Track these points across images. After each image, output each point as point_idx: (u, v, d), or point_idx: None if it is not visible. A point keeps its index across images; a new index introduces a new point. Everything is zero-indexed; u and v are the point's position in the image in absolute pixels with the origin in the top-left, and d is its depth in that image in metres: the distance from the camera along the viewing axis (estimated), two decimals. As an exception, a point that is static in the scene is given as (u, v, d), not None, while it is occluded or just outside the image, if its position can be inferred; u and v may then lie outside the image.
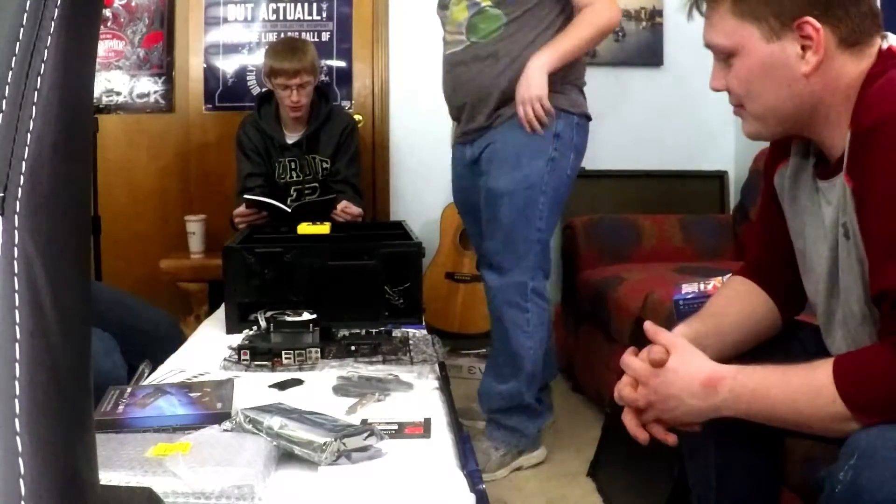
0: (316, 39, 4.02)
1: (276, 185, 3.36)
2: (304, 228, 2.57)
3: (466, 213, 2.76)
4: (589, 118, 2.56)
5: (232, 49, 4.08)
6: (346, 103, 4.10)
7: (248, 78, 4.08)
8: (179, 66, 4.06)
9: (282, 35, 3.97)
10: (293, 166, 3.34)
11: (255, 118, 3.35)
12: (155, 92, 4.06)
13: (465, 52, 2.48)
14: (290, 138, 3.35)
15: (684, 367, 1.23)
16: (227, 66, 4.08)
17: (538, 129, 2.38)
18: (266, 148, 3.33)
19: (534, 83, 2.34)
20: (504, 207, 2.45)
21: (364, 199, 3.43)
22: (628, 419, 1.31)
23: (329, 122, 3.33)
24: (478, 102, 2.51)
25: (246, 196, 3.13)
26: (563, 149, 2.45)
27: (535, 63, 2.35)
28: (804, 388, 1.12)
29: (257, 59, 3.94)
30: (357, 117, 3.80)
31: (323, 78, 3.88)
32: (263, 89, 3.60)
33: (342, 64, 4.10)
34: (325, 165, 3.34)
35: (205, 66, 4.08)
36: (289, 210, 2.98)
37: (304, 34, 4.00)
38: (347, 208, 3.13)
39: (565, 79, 2.47)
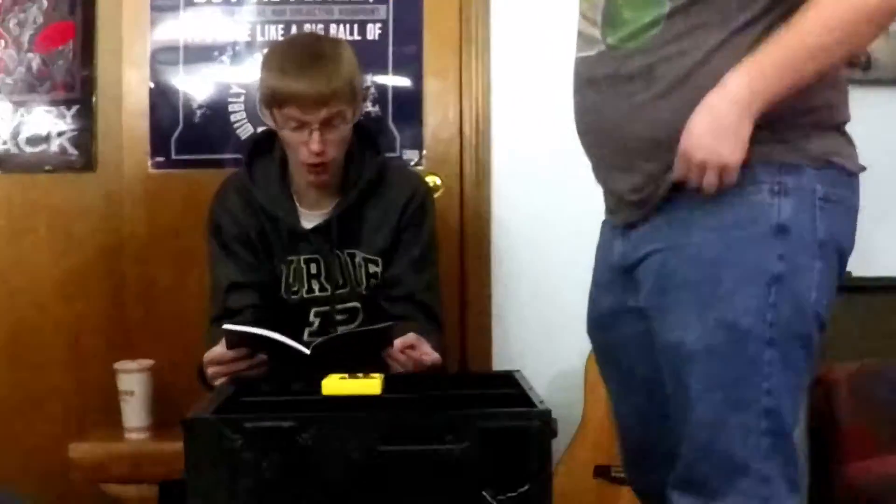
0: (355, 37, 3.16)
1: (283, 306, 2.75)
2: (335, 385, 2.18)
3: (602, 353, 2.20)
4: (853, 173, 1.94)
5: (201, 54, 3.22)
6: (408, 155, 3.27)
7: (230, 107, 3.21)
8: (106, 87, 3.22)
9: (293, 30, 3.19)
10: (314, 271, 2.72)
11: (245, 182, 2.72)
12: (60, 134, 3.21)
13: (600, 63, 1.98)
14: (310, 219, 2.72)
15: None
16: (194, 85, 3.26)
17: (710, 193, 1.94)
18: (265, 237, 2.73)
19: (717, 134, 1.82)
20: (697, 379, 1.88)
21: (445, 332, 2.79)
22: None
23: (380, 189, 2.73)
24: (620, 157, 1.99)
25: (226, 326, 2.43)
26: (800, 254, 1.86)
27: (725, 95, 1.83)
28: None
29: (248, 72, 3.18)
30: (431, 181, 3.14)
31: (368, 109, 3.13)
32: (259, 129, 3.03)
33: (403, 83, 3.27)
34: (372, 269, 2.72)
35: (152, 85, 3.21)
36: (306, 351, 2.39)
37: (331, 28, 3.15)
38: (415, 348, 2.47)
39: (801, 116, 1.91)
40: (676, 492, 2.00)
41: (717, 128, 1.83)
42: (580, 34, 2.05)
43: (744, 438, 1.90)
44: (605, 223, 2.17)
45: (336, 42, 2.76)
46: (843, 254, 1.92)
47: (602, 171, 2.04)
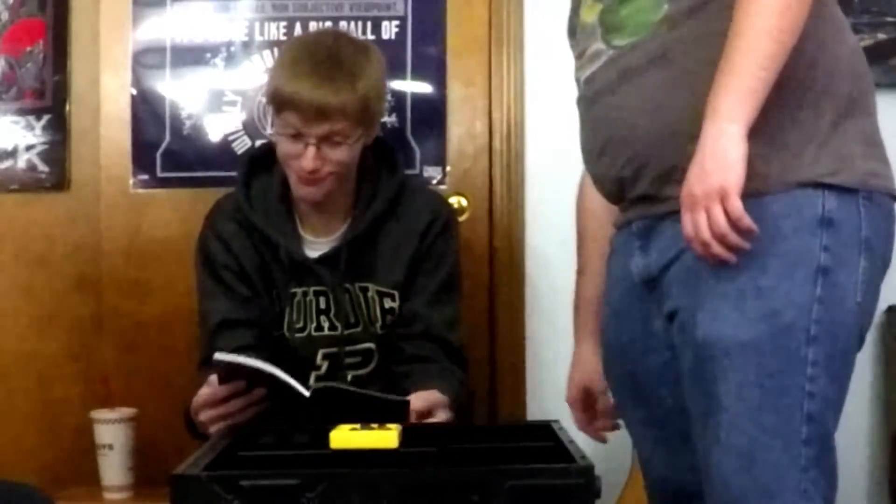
0: (368, 36, 3.06)
1: (285, 347, 2.60)
2: (345, 437, 2.00)
3: (625, 386, 2.16)
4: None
5: (190, 56, 3.09)
6: (429, 173, 3.14)
7: (224, 117, 3.11)
8: (81, 93, 3.12)
9: (296, 28, 3.13)
10: (322, 305, 2.60)
11: (240, 205, 2.59)
12: (28, 148, 3.14)
13: (610, 68, 2.02)
14: (315, 248, 2.59)
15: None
16: (182, 92, 3.14)
17: (728, 257, 1.85)
18: (264, 268, 2.60)
19: (713, 162, 1.85)
20: (731, 378, 1.85)
21: (469, 373, 2.65)
22: None
23: (396, 213, 2.61)
24: (638, 153, 2.01)
25: (217, 356, 2.24)
26: (844, 247, 1.87)
27: (708, 122, 1.88)
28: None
29: (245, 76, 3.10)
30: (456, 202, 3.05)
31: (384, 119, 2.95)
32: (258, 143, 2.96)
33: (423, 89, 3.15)
34: (388, 304, 2.61)
35: (134, 91, 3.07)
36: (306, 393, 2.26)
37: (341, 26, 3.06)
38: (431, 416, 2.39)
39: (826, 106, 1.88)
40: None
41: (712, 160, 1.83)
42: (579, 69, 2.09)
43: (784, 446, 1.84)
44: (615, 251, 2.16)
45: (364, 49, 2.56)
46: (885, 262, 1.90)
47: (620, 180, 2.04)
